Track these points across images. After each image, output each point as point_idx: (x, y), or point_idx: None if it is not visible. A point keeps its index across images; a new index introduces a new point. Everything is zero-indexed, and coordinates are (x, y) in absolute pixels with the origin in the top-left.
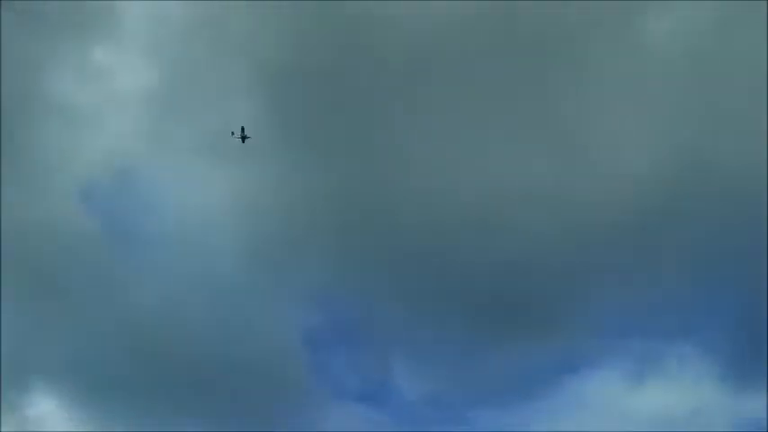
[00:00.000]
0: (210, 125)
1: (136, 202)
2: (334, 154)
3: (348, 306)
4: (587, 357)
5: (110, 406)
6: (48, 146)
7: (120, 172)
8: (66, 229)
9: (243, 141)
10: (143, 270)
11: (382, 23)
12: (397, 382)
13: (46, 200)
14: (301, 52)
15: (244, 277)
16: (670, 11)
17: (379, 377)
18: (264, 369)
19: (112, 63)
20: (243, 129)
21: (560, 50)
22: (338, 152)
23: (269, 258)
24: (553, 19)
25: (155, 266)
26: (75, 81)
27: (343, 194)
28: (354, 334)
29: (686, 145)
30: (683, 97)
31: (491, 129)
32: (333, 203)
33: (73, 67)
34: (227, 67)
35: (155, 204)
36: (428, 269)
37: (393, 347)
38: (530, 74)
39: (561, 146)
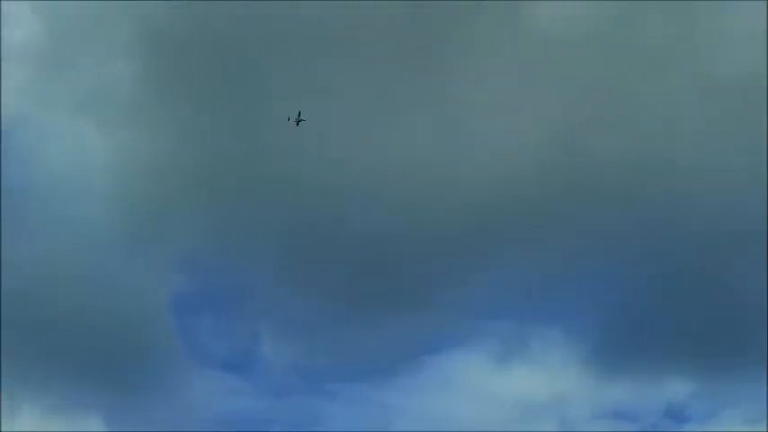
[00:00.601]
0: (92, 84)
1: (12, 157)
2: (214, 118)
3: (219, 272)
4: (455, 337)
5: None
6: None
7: None
8: None
9: (297, 125)
10: (12, 224)
11: None
12: (264, 352)
13: None
14: (187, 16)
15: (115, 238)
16: None
17: (245, 345)
18: (128, 332)
19: None
20: (299, 113)
21: (451, 31)
22: (219, 117)
23: (141, 220)
24: None
25: (25, 222)
26: None
27: (223, 160)
28: (223, 301)
29: (572, 133)
30: (572, 84)
31: (380, 104)
32: (211, 168)
33: None
34: (112, 26)
35: (30, 160)
36: (304, 239)
37: (262, 316)
38: (420, 53)
39: (448, 126)
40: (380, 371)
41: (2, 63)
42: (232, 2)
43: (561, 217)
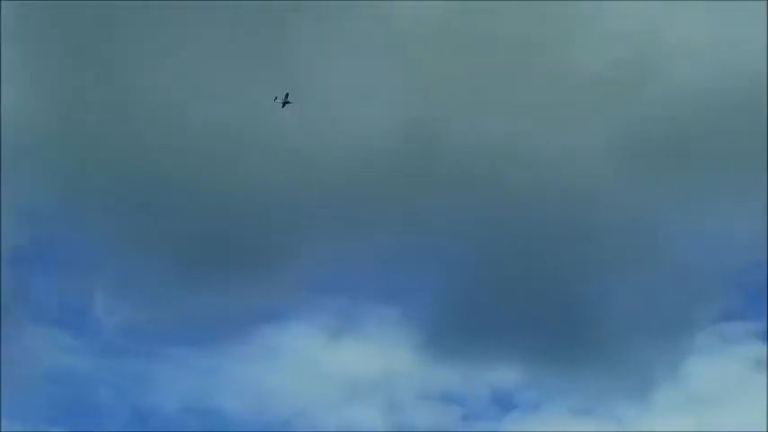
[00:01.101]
0: None
1: None
2: (73, 68)
3: (60, 228)
4: (289, 308)
5: None
6: None
7: None
8: None
9: (283, 106)
10: None
11: None
12: (97, 311)
13: None
14: None
15: None
16: None
17: (78, 304)
18: None
19: None
20: (287, 95)
21: (307, 17)
22: (78, 68)
23: None
24: None
25: None
26: None
27: (65, 116)
28: (62, 257)
29: (427, 120)
30: (429, 73)
31: (237, 72)
32: (53, 123)
33: None
34: None
35: None
36: (145, 199)
37: (98, 275)
38: (275, 38)
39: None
40: (212, 337)
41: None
42: None
43: (405, 200)
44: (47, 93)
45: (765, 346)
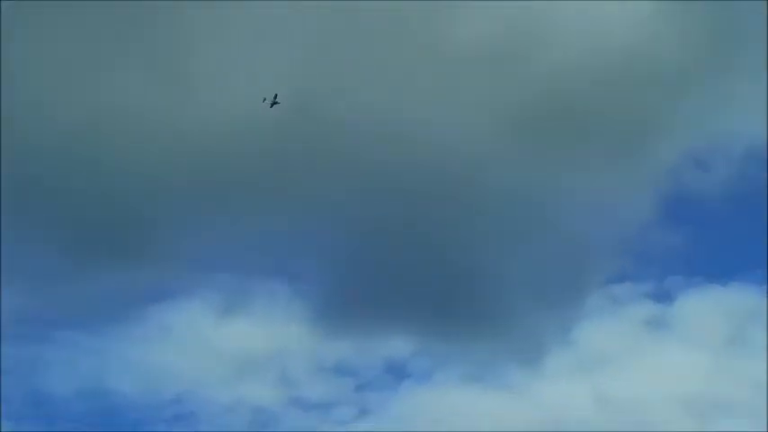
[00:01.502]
0: None
1: None
2: None
3: None
4: (179, 288)
5: None
6: None
7: None
8: None
9: (271, 107)
10: None
11: None
12: None
13: None
14: None
15: None
16: None
17: None
18: None
19: None
20: (276, 95)
21: None
22: None
23: None
24: None
25: None
26: None
27: None
28: None
29: (306, 95)
30: (306, 47)
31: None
32: None
33: None
34: None
35: None
36: (31, 185)
37: None
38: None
39: (179, 82)
40: (103, 319)
41: None
42: None
43: (290, 174)
44: None
45: (655, 305)
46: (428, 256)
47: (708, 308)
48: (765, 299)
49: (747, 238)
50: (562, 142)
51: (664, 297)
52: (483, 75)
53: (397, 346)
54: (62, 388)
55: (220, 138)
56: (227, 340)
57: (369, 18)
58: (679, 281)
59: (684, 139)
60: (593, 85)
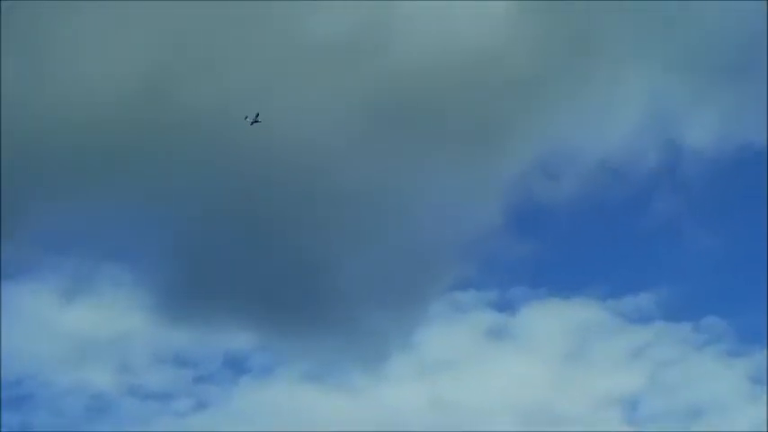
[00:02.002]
0: None
1: None
2: None
3: None
4: (20, 269)
5: None
6: None
7: None
8: None
9: (251, 125)
10: None
11: None
12: None
13: None
14: None
15: None
16: None
17: None
18: None
19: None
20: (257, 114)
21: None
22: None
23: None
24: None
25: None
26: None
27: None
28: None
29: (158, 80)
30: (162, 33)
31: None
32: None
33: None
34: None
35: None
36: None
37: None
38: None
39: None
40: None
41: None
42: None
43: (141, 160)
44: None
45: (498, 314)
46: (275, 251)
47: (549, 320)
48: (606, 314)
49: (592, 253)
50: (415, 142)
51: (506, 307)
52: (341, 68)
53: (239, 339)
54: None
55: (70, 121)
56: (68, 324)
57: (230, 6)
58: (523, 291)
59: (536, 148)
60: (448, 84)
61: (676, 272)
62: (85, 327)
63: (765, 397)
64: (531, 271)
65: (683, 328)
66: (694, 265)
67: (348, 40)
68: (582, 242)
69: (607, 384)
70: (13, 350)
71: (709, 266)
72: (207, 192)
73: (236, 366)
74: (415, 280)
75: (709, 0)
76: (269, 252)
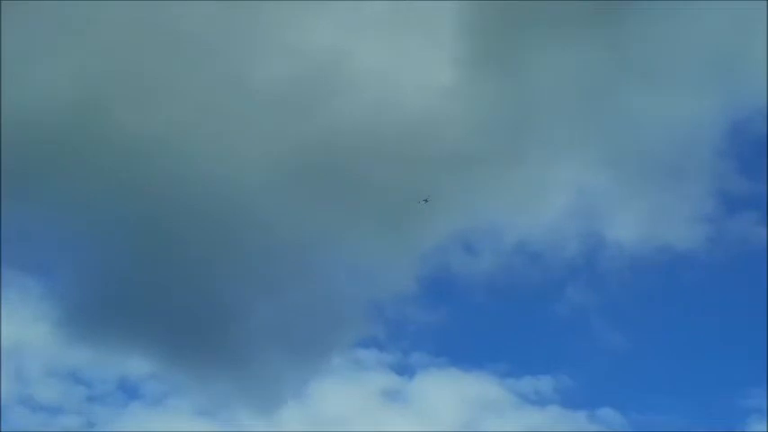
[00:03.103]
0: None
1: None
2: None
3: None
4: None
5: None
6: None
7: None
8: None
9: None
10: None
11: None
12: None
13: None
14: None
15: None
16: None
17: None
18: None
19: None
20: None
21: None
22: None
23: None
24: None
25: None
26: None
27: None
28: None
29: (97, 95)
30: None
31: None
32: None
33: None
34: None
35: None
36: None
37: None
38: None
39: None
40: None
41: None
42: None
43: (65, 172)
44: None
45: (396, 377)
46: (185, 284)
47: (446, 390)
48: (503, 391)
49: (499, 330)
50: (340, 200)
51: (405, 371)
52: (279, 116)
53: (136, 365)
54: None
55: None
56: None
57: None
58: (423, 358)
59: (460, 222)
60: (382, 150)
61: (578, 361)
62: None
63: None
64: (436, 339)
65: (579, 415)
66: (596, 358)
67: (290, 90)
68: (490, 318)
69: None
70: None
71: (610, 361)
72: (127, 215)
73: (130, 391)
74: (321, 332)
75: (651, 97)
76: (180, 284)
